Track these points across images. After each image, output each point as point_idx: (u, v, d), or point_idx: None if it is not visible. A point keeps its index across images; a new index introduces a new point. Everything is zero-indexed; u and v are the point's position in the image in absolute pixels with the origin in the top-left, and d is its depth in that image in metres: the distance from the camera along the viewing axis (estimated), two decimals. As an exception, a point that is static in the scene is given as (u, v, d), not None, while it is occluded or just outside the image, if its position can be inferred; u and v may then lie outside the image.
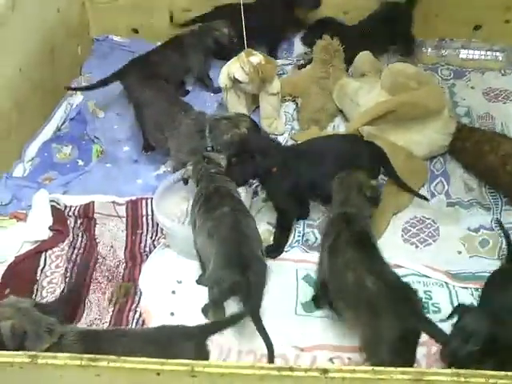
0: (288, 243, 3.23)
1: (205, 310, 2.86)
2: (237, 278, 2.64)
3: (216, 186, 3.01)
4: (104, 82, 4.09)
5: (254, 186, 3.42)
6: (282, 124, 3.98)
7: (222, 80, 3.80)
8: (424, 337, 2.71)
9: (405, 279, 2.95)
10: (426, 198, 3.40)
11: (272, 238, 3.23)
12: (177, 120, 3.54)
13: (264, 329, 2.54)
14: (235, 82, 3.74)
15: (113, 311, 2.95)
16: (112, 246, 3.28)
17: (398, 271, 2.95)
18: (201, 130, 3.45)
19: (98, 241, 3.31)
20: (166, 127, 3.57)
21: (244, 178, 3.16)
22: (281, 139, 3.84)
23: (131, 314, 2.93)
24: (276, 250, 3.17)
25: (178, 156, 3.57)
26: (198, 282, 2.95)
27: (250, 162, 3.08)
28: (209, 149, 3.41)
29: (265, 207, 3.41)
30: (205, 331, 2.50)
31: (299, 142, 3.65)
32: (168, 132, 3.56)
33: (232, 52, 3.99)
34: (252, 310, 2.59)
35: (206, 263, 2.85)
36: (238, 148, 3.15)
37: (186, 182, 3.18)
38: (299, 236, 3.28)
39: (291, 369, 2.03)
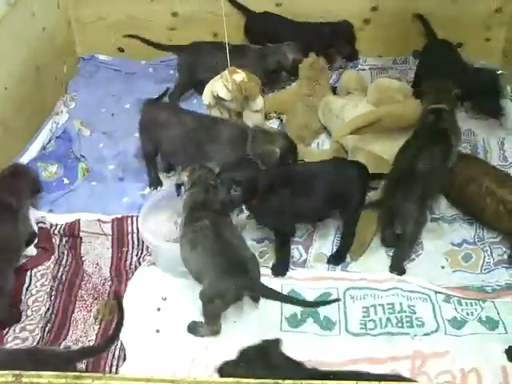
0: (273, 259, 3.25)
1: (193, 328, 2.88)
2: (241, 283, 2.72)
3: (204, 197, 3.02)
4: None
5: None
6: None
7: (206, 98, 3.82)
8: (408, 351, 2.78)
9: (389, 292, 3.04)
10: None
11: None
12: (213, 131, 3.56)
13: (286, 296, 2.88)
14: (218, 99, 3.77)
15: (98, 329, 2.94)
16: (98, 264, 3.28)
17: (401, 285, 3.06)
18: (244, 137, 3.49)
19: (83, 259, 3.31)
20: (201, 141, 3.55)
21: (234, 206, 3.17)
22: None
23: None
24: (281, 267, 3.18)
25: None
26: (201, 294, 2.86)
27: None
28: (250, 157, 3.46)
29: (249, 224, 3.43)
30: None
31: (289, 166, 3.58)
32: (208, 144, 3.54)
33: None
34: (268, 292, 2.79)
35: (194, 275, 2.88)
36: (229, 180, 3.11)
37: (178, 189, 3.16)
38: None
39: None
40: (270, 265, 3.21)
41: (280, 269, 3.17)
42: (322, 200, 3.15)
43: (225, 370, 2.44)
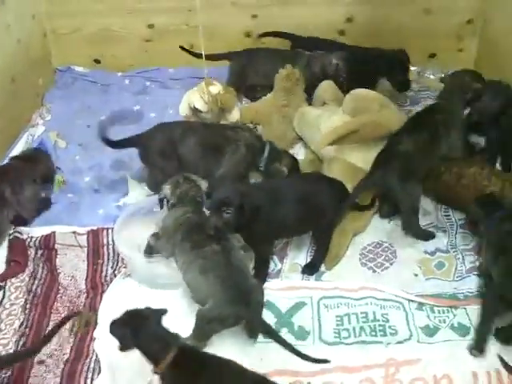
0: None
1: None
2: (242, 313, 2.75)
3: (204, 218, 3.04)
4: None
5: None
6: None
7: (182, 109, 3.86)
8: (382, 359, 2.81)
9: (363, 301, 3.06)
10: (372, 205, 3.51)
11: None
12: (233, 139, 3.57)
13: (288, 343, 2.78)
14: (195, 111, 3.80)
15: (73, 341, 2.94)
16: (73, 276, 3.28)
17: (374, 294, 3.08)
18: (262, 150, 3.56)
19: (59, 271, 3.30)
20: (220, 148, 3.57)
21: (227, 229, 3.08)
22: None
23: (92, 343, 2.91)
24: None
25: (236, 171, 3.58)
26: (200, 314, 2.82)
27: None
28: (260, 169, 3.56)
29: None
30: None
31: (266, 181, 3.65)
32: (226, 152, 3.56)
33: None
34: (266, 328, 2.83)
35: (199, 297, 2.88)
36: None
37: (161, 203, 3.16)
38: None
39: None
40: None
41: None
42: (300, 215, 3.16)
43: (110, 327, 2.52)
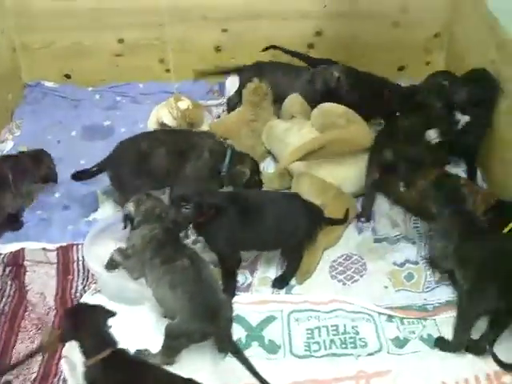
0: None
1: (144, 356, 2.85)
2: (209, 330, 2.74)
3: (167, 230, 3.03)
4: None
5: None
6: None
7: (151, 124, 3.87)
8: (352, 371, 2.82)
9: (333, 314, 3.08)
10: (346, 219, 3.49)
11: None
12: (196, 144, 3.60)
13: (252, 366, 2.70)
14: (163, 126, 3.80)
15: (42, 360, 2.90)
16: (42, 293, 3.24)
17: (344, 307, 3.10)
18: (224, 154, 3.60)
19: (27, 288, 3.26)
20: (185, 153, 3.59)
21: (186, 222, 3.17)
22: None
23: (61, 362, 2.88)
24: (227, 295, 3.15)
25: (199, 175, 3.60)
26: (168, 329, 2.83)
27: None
28: (222, 174, 3.59)
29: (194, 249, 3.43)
30: None
31: (237, 190, 3.67)
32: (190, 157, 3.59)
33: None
34: (232, 348, 2.76)
35: (168, 312, 2.88)
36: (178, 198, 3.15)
37: (125, 221, 3.13)
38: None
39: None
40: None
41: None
42: (269, 230, 3.18)
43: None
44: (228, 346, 2.78)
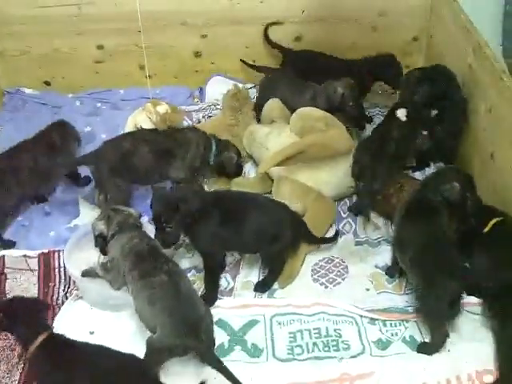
0: (201, 289, 3.25)
1: None
2: (191, 344, 2.70)
3: (150, 244, 3.01)
4: None
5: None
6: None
7: (129, 130, 3.84)
8: (336, 374, 2.83)
9: (315, 317, 3.08)
10: (335, 238, 3.51)
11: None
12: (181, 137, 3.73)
13: (234, 377, 2.66)
14: (141, 131, 3.81)
15: (23, 368, 2.88)
16: (23, 301, 3.23)
17: (327, 310, 3.10)
18: (209, 145, 3.77)
19: (8, 296, 3.23)
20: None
21: (173, 241, 3.17)
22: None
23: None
24: (210, 298, 3.17)
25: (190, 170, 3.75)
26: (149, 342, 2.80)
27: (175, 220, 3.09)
28: (211, 163, 3.80)
29: (176, 254, 3.44)
30: None
31: (225, 190, 3.77)
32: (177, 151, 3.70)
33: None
34: (214, 362, 2.71)
35: (148, 325, 2.84)
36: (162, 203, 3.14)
37: (97, 240, 3.09)
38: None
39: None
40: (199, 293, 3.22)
41: (209, 299, 3.17)
42: (251, 233, 3.19)
43: None
44: (209, 359, 2.74)
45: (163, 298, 2.78)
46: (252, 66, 4.70)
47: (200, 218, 3.13)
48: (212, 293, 3.20)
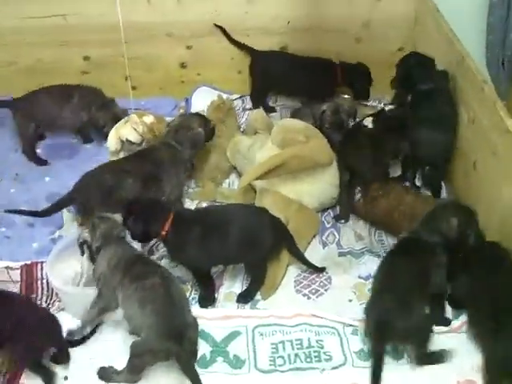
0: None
1: (104, 375, 2.84)
2: (173, 349, 2.68)
3: (133, 251, 3.02)
4: None
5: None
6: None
7: (113, 144, 3.83)
8: None
9: (298, 328, 3.07)
10: (322, 270, 3.44)
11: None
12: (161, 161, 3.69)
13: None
14: (128, 144, 3.80)
15: (2, 381, 2.86)
16: (4, 313, 3.21)
17: (309, 321, 3.09)
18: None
19: (-11, 308, 3.23)
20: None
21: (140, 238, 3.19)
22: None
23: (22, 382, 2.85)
24: (208, 298, 3.24)
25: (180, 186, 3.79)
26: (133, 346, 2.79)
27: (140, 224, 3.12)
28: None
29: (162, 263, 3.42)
30: None
31: (203, 207, 3.77)
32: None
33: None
34: (191, 373, 2.71)
35: (135, 328, 2.84)
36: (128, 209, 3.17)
37: (82, 249, 3.07)
38: (195, 293, 3.31)
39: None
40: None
41: (206, 298, 3.23)
42: (233, 245, 3.19)
43: None
44: (187, 369, 2.72)
45: (154, 301, 2.77)
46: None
47: (181, 236, 3.14)
48: (207, 291, 3.24)
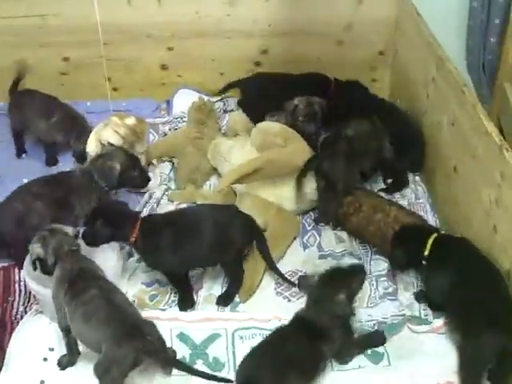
0: (164, 302, 3.25)
1: None
2: (138, 346, 2.60)
3: (80, 267, 2.88)
4: None
5: (127, 247, 3.43)
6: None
7: (93, 148, 3.79)
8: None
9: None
10: (293, 284, 3.33)
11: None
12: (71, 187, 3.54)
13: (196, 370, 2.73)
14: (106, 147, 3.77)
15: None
16: (-19, 315, 3.17)
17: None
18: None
19: (-34, 311, 3.20)
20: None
21: (96, 243, 3.14)
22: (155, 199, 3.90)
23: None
24: (186, 300, 3.22)
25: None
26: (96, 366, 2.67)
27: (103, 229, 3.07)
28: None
29: (139, 268, 3.41)
30: None
31: (170, 210, 3.68)
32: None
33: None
34: (172, 362, 2.74)
35: (92, 346, 2.74)
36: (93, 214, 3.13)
37: (35, 265, 2.93)
38: (175, 296, 3.28)
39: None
40: (162, 306, 3.23)
41: (185, 301, 3.21)
42: (203, 244, 3.16)
43: None
44: (166, 359, 2.71)
45: (97, 311, 2.69)
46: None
47: (150, 242, 3.11)
48: (186, 294, 3.22)
